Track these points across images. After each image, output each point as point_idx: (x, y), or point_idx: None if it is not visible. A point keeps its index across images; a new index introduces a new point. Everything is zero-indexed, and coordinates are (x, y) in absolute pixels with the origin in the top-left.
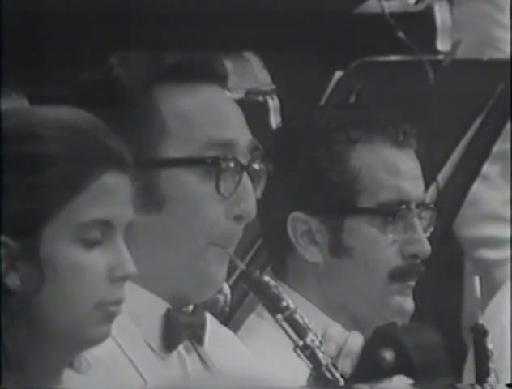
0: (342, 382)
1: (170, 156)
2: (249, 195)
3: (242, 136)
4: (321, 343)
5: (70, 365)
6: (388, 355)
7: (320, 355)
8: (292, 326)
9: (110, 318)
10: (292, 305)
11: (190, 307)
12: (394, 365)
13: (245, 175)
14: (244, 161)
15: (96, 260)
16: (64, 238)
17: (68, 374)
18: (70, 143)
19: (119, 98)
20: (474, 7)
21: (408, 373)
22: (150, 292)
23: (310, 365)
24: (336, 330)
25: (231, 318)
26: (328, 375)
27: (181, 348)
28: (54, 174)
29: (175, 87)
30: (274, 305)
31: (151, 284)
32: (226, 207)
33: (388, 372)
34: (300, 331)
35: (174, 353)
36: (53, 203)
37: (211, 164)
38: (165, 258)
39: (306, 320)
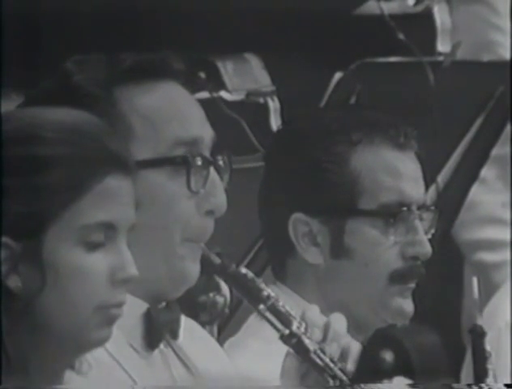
0: (332, 366)
1: (138, 158)
2: (218, 190)
3: (206, 132)
4: (306, 329)
5: (71, 367)
6: (388, 356)
7: (307, 341)
8: (275, 315)
9: (111, 320)
10: (272, 295)
11: (163, 303)
12: (394, 366)
13: (212, 170)
14: (208, 156)
15: (98, 262)
16: (66, 241)
17: (68, 376)
18: (73, 145)
19: (81, 105)
20: (471, 11)
21: (408, 374)
22: (128, 294)
23: (297, 353)
24: (315, 313)
25: (231, 319)
26: (318, 361)
27: (161, 345)
28: (57, 176)
29: (134, 88)
30: (255, 297)
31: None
32: (196, 203)
33: (388, 373)
34: (284, 319)
35: (156, 352)
36: (55, 206)
37: (181, 162)
38: (141, 257)
39: (288, 308)
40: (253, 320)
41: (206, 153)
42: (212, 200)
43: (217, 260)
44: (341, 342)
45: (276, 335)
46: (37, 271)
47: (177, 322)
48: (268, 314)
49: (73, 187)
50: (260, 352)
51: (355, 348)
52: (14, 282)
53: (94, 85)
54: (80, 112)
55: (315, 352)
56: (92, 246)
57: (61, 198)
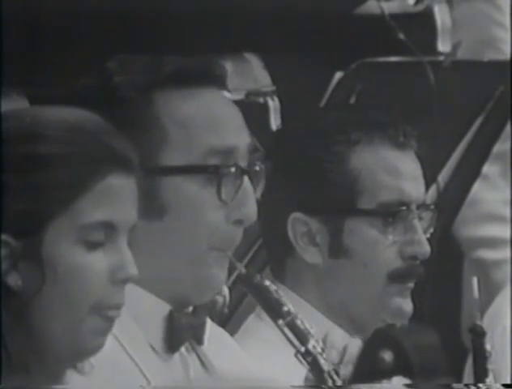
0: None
1: (171, 163)
2: (249, 199)
3: (242, 140)
4: (322, 349)
5: (74, 367)
6: (387, 356)
7: (322, 361)
8: (293, 331)
9: (108, 322)
10: (293, 311)
11: (190, 308)
12: (393, 366)
13: (245, 179)
14: (244, 164)
15: (97, 262)
16: (66, 239)
17: (72, 376)
18: (75, 143)
19: (119, 106)
20: (473, 7)
21: (407, 374)
22: (152, 295)
23: (311, 372)
24: (337, 335)
25: (230, 320)
26: (330, 382)
27: (182, 349)
28: (58, 175)
29: (174, 93)
30: (275, 311)
31: (154, 286)
32: (226, 212)
33: (387, 373)
34: (301, 336)
35: (176, 355)
36: (56, 204)
37: (212, 171)
38: (167, 261)
39: (307, 326)
40: (252, 320)
41: (242, 161)
42: (242, 210)
43: (243, 269)
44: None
45: (275, 336)
46: (37, 269)
47: (201, 327)
48: (286, 330)
49: (73, 186)
50: (259, 352)
51: None
52: (13, 280)
53: (132, 88)
54: (83, 111)
55: (329, 373)
56: (92, 245)
57: (61, 196)
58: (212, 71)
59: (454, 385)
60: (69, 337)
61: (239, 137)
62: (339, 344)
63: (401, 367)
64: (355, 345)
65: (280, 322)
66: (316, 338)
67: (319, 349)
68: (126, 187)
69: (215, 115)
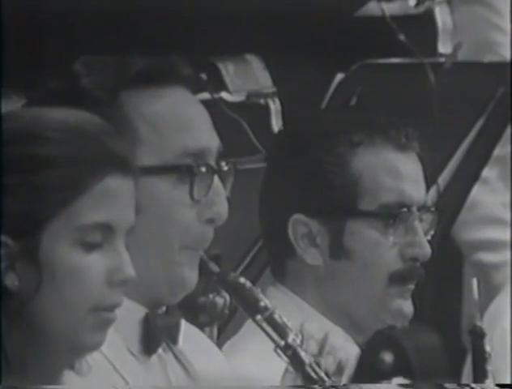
0: (327, 380)
1: (144, 164)
2: (220, 198)
3: (212, 141)
4: (302, 342)
5: (71, 367)
6: (387, 357)
7: (302, 354)
8: (272, 326)
9: (106, 323)
10: (269, 306)
11: (163, 308)
12: (394, 367)
13: (215, 178)
14: (213, 164)
15: (95, 263)
16: (64, 240)
17: (69, 377)
18: (73, 144)
19: (87, 107)
20: (472, 11)
21: (407, 375)
22: (127, 298)
23: (292, 365)
24: (313, 326)
25: (230, 320)
26: (312, 374)
27: (160, 350)
28: (56, 176)
29: (142, 92)
30: (252, 307)
31: (128, 289)
32: (198, 211)
33: (387, 374)
34: (280, 331)
35: (154, 356)
36: (53, 205)
37: (185, 171)
38: (140, 263)
39: (285, 320)
40: (252, 322)
41: (212, 161)
42: (214, 208)
43: (216, 268)
44: (337, 356)
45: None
46: (34, 269)
47: (176, 327)
48: (265, 325)
49: (71, 187)
50: (259, 353)
51: (351, 361)
52: (11, 280)
53: (101, 88)
54: (82, 112)
55: (310, 366)
56: (90, 247)
57: (59, 197)
58: (179, 71)
59: (448, 385)
60: (67, 337)
61: (211, 138)
62: (318, 334)
63: (401, 368)
64: (335, 335)
65: (258, 317)
66: (295, 332)
67: (298, 342)
68: (124, 189)
69: (186, 115)
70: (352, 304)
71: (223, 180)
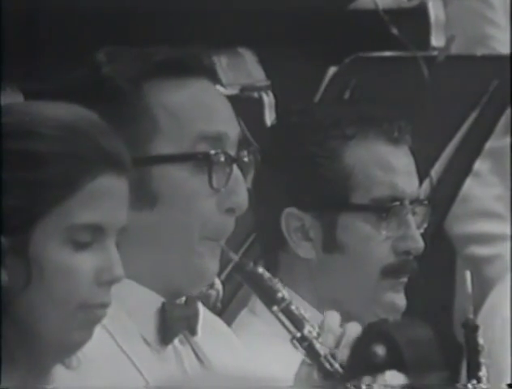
0: (341, 371)
1: (161, 152)
2: (240, 187)
3: (231, 129)
4: (318, 334)
5: (61, 362)
6: (380, 350)
7: (318, 346)
8: (288, 317)
9: (93, 321)
10: (287, 297)
11: (183, 299)
12: (386, 361)
13: (235, 167)
14: (233, 153)
15: (84, 262)
16: (54, 238)
17: (61, 371)
18: (67, 142)
19: (109, 96)
20: (464, 5)
21: (400, 368)
22: (144, 287)
23: (308, 357)
24: (334, 320)
25: (223, 313)
26: (327, 366)
27: (176, 341)
28: (48, 173)
29: (164, 83)
30: (269, 297)
31: (146, 278)
32: (217, 201)
33: (380, 367)
34: (296, 322)
35: (169, 347)
36: (45, 202)
37: (202, 158)
38: (159, 253)
39: (302, 311)
40: (245, 314)
41: (232, 150)
42: (234, 198)
43: (235, 258)
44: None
45: (268, 329)
46: (23, 266)
47: (194, 318)
48: (281, 316)
49: (64, 185)
50: (252, 345)
51: None
52: (0, 276)
53: (123, 78)
54: (79, 109)
55: (325, 357)
56: (79, 246)
57: (51, 195)
58: (202, 63)
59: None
60: (55, 333)
61: (228, 125)
62: (337, 329)
63: (394, 361)
64: (352, 328)
65: (275, 308)
66: (312, 323)
67: (315, 334)
68: (117, 188)
69: (206, 103)
70: (345, 297)
71: (243, 170)
